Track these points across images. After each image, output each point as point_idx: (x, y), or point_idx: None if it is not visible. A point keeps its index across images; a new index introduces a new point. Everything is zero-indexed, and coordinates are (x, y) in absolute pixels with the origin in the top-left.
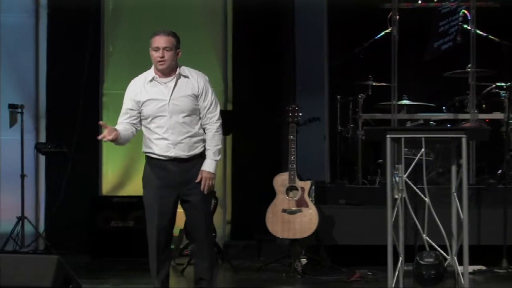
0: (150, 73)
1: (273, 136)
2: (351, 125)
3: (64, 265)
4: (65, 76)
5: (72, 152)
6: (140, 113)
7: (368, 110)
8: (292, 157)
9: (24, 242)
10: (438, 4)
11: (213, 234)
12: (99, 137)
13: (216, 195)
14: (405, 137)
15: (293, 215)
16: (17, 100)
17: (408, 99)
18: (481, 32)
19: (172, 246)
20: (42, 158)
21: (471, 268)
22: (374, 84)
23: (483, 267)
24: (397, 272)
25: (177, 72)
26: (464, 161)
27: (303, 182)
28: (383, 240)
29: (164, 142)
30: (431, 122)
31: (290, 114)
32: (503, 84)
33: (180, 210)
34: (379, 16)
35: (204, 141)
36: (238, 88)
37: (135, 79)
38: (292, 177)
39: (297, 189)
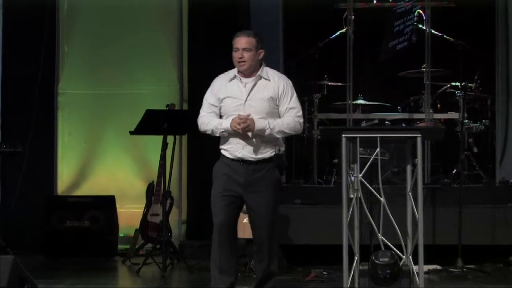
0: (234, 71)
1: None
2: (307, 125)
3: (20, 265)
4: (20, 75)
5: (27, 152)
6: (220, 109)
7: (323, 110)
8: None
9: None
10: (393, 4)
11: (169, 234)
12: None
13: (172, 195)
14: (360, 137)
15: None
16: None
17: (363, 99)
18: (436, 32)
19: (128, 246)
20: None
21: (426, 267)
22: (329, 83)
23: (438, 267)
24: (352, 272)
25: (257, 74)
26: (419, 160)
27: None
28: (338, 239)
29: (235, 142)
30: (386, 122)
31: None
32: (458, 83)
33: (133, 210)
34: (334, 16)
35: (275, 146)
36: (194, 87)
37: (220, 75)
38: None
39: None
